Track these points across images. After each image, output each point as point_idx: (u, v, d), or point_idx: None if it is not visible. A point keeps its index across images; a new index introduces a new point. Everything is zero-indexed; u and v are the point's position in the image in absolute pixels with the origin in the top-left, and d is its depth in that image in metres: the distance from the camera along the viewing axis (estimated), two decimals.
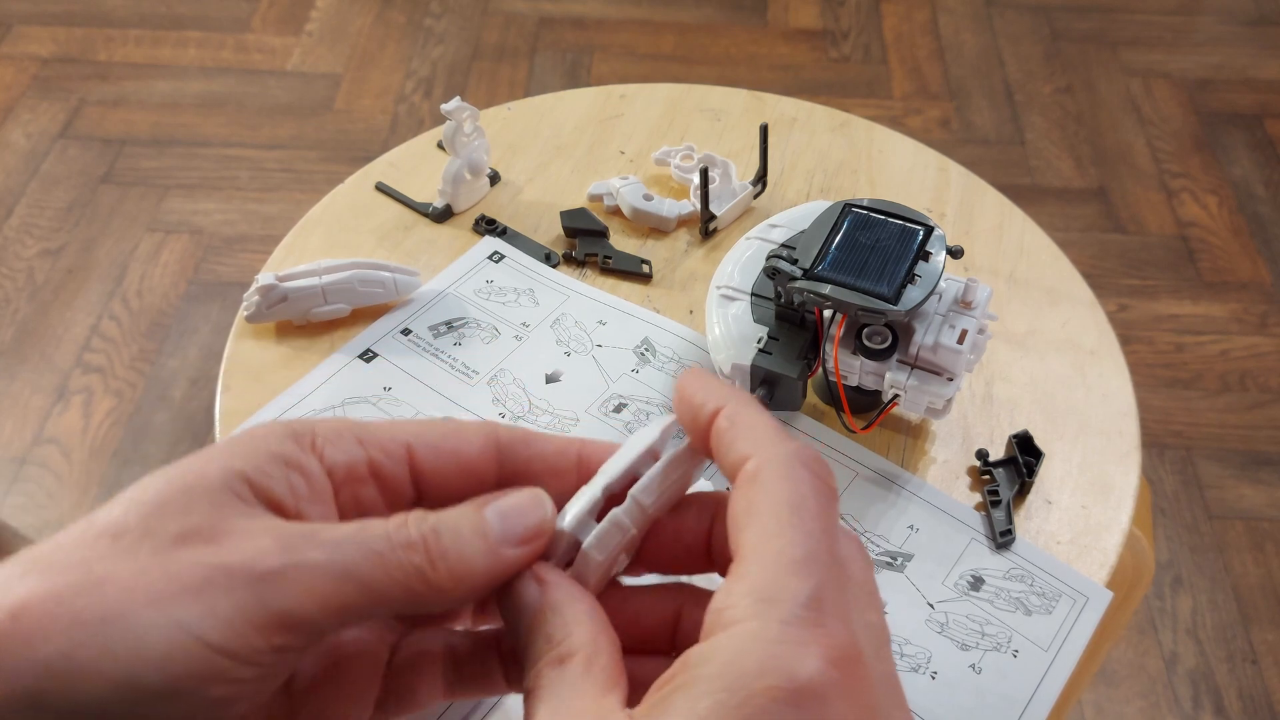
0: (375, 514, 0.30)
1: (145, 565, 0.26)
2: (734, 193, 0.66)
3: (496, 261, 0.63)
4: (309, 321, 0.58)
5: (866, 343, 0.49)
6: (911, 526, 0.51)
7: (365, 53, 1.80)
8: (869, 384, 0.51)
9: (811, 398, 0.56)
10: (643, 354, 0.58)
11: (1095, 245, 1.53)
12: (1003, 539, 0.50)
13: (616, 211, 0.66)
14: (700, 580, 0.32)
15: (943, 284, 0.49)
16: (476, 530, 0.28)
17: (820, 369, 0.53)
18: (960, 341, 0.48)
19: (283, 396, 0.55)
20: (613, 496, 0.30)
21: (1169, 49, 1.84)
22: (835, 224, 0.50)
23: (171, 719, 0.25)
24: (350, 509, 0.30)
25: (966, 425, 0.55)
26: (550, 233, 0.65)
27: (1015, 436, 0.53)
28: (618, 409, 0.55)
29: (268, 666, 0.26)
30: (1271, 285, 1.48)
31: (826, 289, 0.48)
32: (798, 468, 0.27)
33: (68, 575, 0.25)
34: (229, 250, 1.50)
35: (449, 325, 0.59)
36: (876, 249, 0.49)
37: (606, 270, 0.63)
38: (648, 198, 0.65)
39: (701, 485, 0.32)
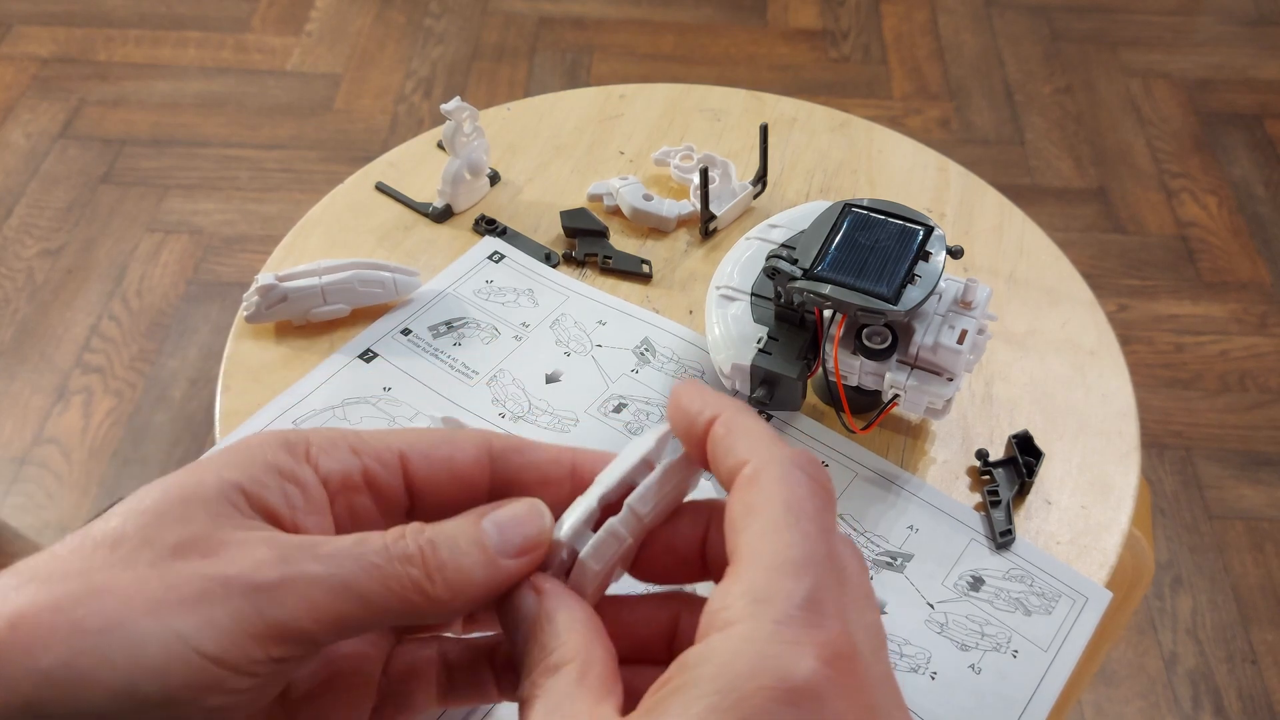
0: (370, 523, 0.30)
1: (143, 575, 0.26)
2: (734, 193, 0.66)
3: (496, 261, 0.63)
4: (309, 321, 0.58)
5: (866, 343, 0.49)
6: (911, 527, 0.51)
7: (365, 53, 1.80)
8: (869, 384, 0.51)
9: (811, 398, 0.56)
10: (642, 354, 0.58)
11: (1095, 245, 1.53)
12: (1002, 539, 0.50)
13: (616, 211, 0.66)
14: (696, 589, 0.32)
15: (942, 284, 0.49)
16: (474, 542, 0.28)
17: (820, 369, 0.53)
18: (960, 341, 0.48)
19: (282, 396, 0.55)
20: (609, 506, 0.30)
21: (1169, 49, 1.84)
22: (835, 224, 0.50)
23: None
24: (345, 518, 0.30)
25: (966, 425, 0.55)
26: (550, 233, 0.65)
27: (1015, 437, 0.53)
28: (617, 409, 0.55)
29: (265, 677, 0.26)
30: (1271, 285, 1.48)
31: (826, 289, 0.48)
32: (795, 471, 0.27)
33: (66, 585, 0.25)
34: (229, 250, 1.50)
35: (449, 325, 0.59)
36: (876, 249, 0.49)
37: (606, 270, 0.63)
38: (647, 198, 0.65)
39: (702, 488, 0.32)
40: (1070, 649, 0.47)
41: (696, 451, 0.30)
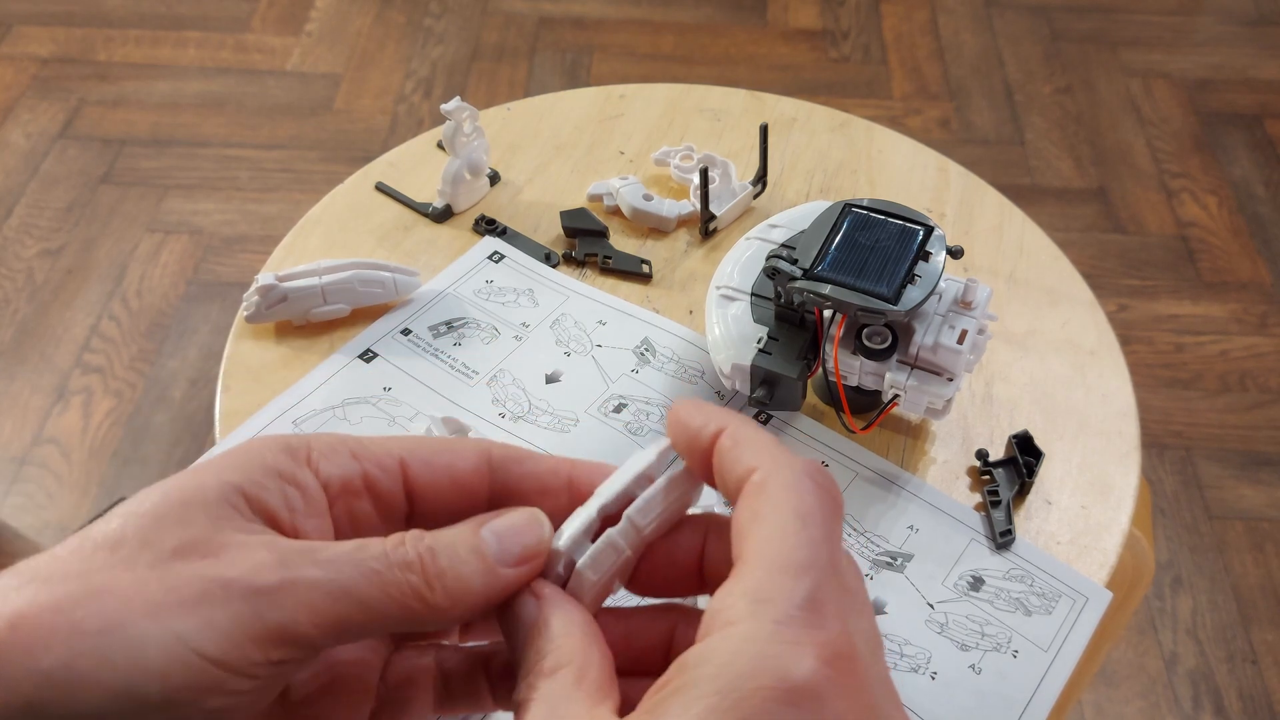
0: (370, 528, 0.30)
1: (143, 577, 0.26)
2: (734, 193, 0.66)
3: (496, 261, 0.63)
4: (309, 321, 0.58)
5: (866, 343, 0.49)
6: (911, 527, 0.51)
7: (365, 53, 1.80)
8: (869, 384, 0.51)
9: (811, 398, 0.56)
10: (642, 354, 0.58)
11: (1095, 245, 1.53)
12: (1002, 539, 0.50)
13: (616, 211, 0.66)
14: (695, 602, 0.32)
15: (942, 284, 0.49)
16: (473, 550, 0.28)
17: (820, 369, 0.53)
18: (960, 341, 0.48)
19: (282, 396, 0.55)
20: (608, 518, 0.30)
21: (1169, 49, 1.84)
22: (835, 224, 0.50)
23: None
24: (345, 523, 0.30)
25: (966, 425, 0.55)
26: (550, 233, 0.65)
27: (1015, 437, 0.53)
28: (617, 409, 0.55)
29: (264, 679, 0.26)
30: (1271, 285, 1.48)
31: (826, 289, 0.48)
32: (804, 479, 0.27)
33: (66, 586, 0.25)
34: (229, 250, 1.50)
35: (449, 325, 0.59)
36: (876, 249, 0.49)
37: (606, 270, 0.63)
38: (647, 198, 0.65)
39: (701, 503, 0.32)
40: (1070, 649, 0.47)
41: (699, 465, 0.30)
